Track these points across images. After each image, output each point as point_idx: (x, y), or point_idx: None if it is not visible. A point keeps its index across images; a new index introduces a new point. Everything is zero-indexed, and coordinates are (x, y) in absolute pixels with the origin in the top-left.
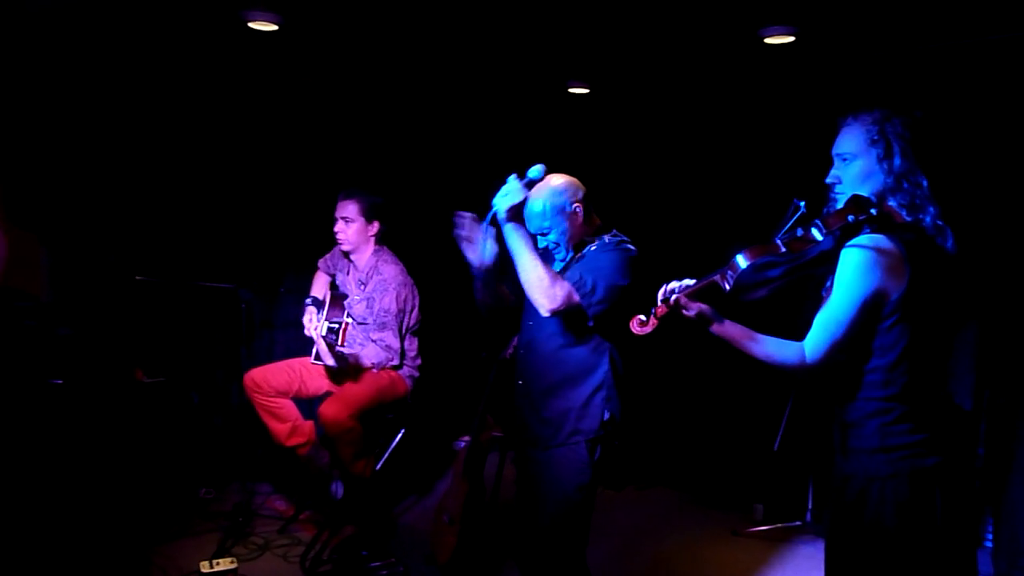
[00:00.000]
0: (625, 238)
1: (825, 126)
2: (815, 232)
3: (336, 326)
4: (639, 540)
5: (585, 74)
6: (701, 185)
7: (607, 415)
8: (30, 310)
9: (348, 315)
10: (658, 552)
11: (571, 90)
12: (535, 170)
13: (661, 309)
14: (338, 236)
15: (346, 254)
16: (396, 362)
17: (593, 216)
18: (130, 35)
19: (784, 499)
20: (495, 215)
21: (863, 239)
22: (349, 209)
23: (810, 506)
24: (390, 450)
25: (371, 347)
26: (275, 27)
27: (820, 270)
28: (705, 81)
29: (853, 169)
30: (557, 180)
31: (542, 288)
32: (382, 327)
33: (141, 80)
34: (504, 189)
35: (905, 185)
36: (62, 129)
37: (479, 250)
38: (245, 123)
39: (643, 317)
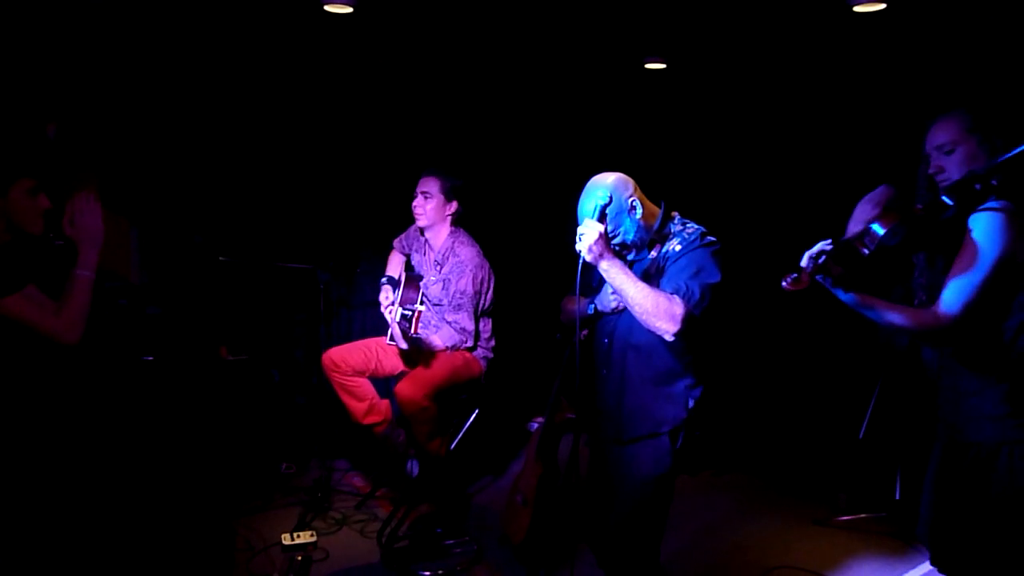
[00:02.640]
0: (696, 225)
1: (918, 100)
2: (945, 200)
3: (409, 313)
4: (715, 528)
5: (662, 47)
6: (788, 168)
7: (691, 403)
8: (122, 290)
9: (423, 299)
10: (735, 541)
11: (648, 65)
12: (601, 196)
13: (812, 267)
14: (416, 211)
15: (422, 231)
16: (470, 343)
17: (649, 204)
18: (211, 21)
19: (869, 489)
20: (585, 262)
21: (992, 204)
22: (430, 185)
23: (897, 497)
24: (464, 430)
25: (446, 329)
26: (350, 9)
27: (937, 244)
28: (790, 53)
29: (956, 158)
30: (602, 180)
31: (661, 313)
32: (458, 309)
33: (223, 64)
34: (580, 231)
35: (1008, 165)
36: (150, 115)
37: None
38: (323, 105)
39: (795, 275)
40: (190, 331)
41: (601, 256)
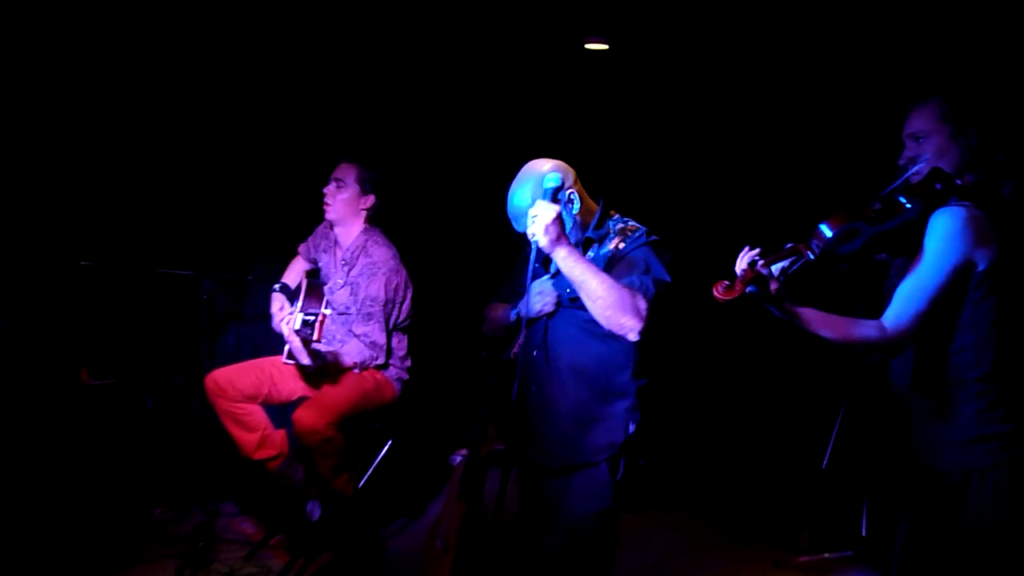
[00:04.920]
0: (638, 224)
1: (895, 84)
2: (903, 200)
3: (311, 318)
4: (665, 572)
5: (605, 24)
6: (743, 163)
7: (632, 428)
8: None
9: (328, 305)
10: None
11: (588, 46)
12: (551, 178)
13: (747, 274)
14: (326, 200)
15: (332, 226)
16: (381, 361)
17: (588, 200)
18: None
19: (834, 525)
20: (539, 248)
21: (951, 207)
22: (346, 172)
23: (864, 533)
24: (375, 464)
25: (353, 343)
26: None
27: (898, 247)
28: (747, 28)
29: (928, 147)
30: (542, 166)
31: (627, 307)
32: (367, 319)
33: (87, 38)
34: (532, 213)
35: (982, 160)
36: None
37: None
38: (214, 92)
39: (728, 282)
40: (42, 349)
41: (558, 241)
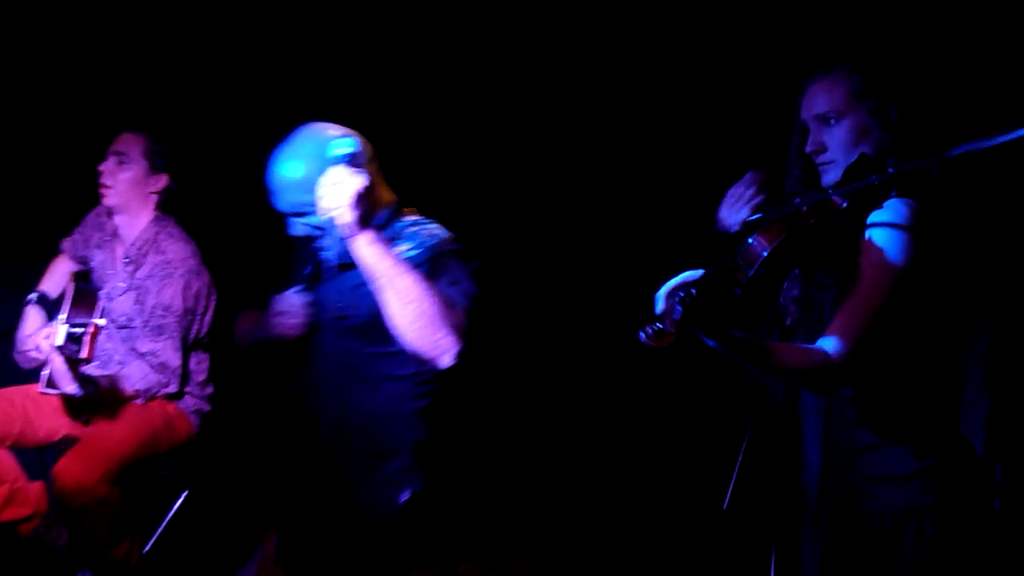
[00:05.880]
0: (438, 227)
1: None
2: (837, 200)
3: (79, 331)
4: None
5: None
6: (603, 152)
7: (406, 494)
8: None
9: (103, 315)
10: None
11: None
12: (345, 143)
13: (678, 311)
14: (103, 180)
15: (109, 215)
16: (174, 389)
17: (385, 190)
18: None
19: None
20: (338, 226)
21: (894, 206)
22: (129, 145)
23: None
24: (165, 525)
25: (136, 365)
26: None
27: (821, 256)
28: None
29: (842, 131)
30: (328, 130)
31: (444, 321)
32: (157, 333)
33: None
34: (325, 182)
35: (907, 140)
36: None
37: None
38: None
39: (659, 325)
40: None
41: (364, 222)
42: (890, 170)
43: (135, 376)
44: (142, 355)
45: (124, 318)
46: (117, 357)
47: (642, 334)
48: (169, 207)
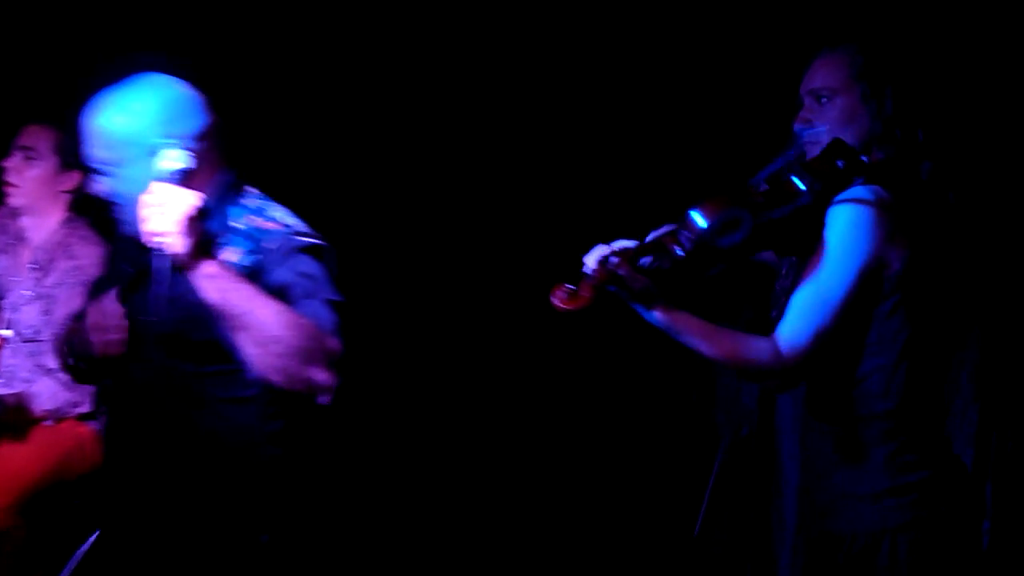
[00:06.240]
0: (286, 214)
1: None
2: (796, 181)
3: None
4: None
5: None
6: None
7: (265, 537)
8: None
9: (7, 326)
10: None
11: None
12: (179, 157)
13: (599, 275)
14: (8, 178)
15: (13, 216)
16: (87, 408)
17: (217, 161)
18: None
19: None
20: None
21: (857, 191)
22: (37, 139)
23: None
24: (77, 562)
25: (45, 383)
26: None
27: (788, 241)
28: None
29: (832, 110)
30: (159, 81)
31: (316, 349)
32: None
33: None
34: (154, 201)
35: (897, 133)
36: None
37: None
38: None
39: (571, 286)
40: None
41: (202, 254)
42: (863, 158)
43: (43, 395)
44: (51, 371)
45: (31, 330)
46: (22, 374)
47: (554, 296)
48: (82, 208)
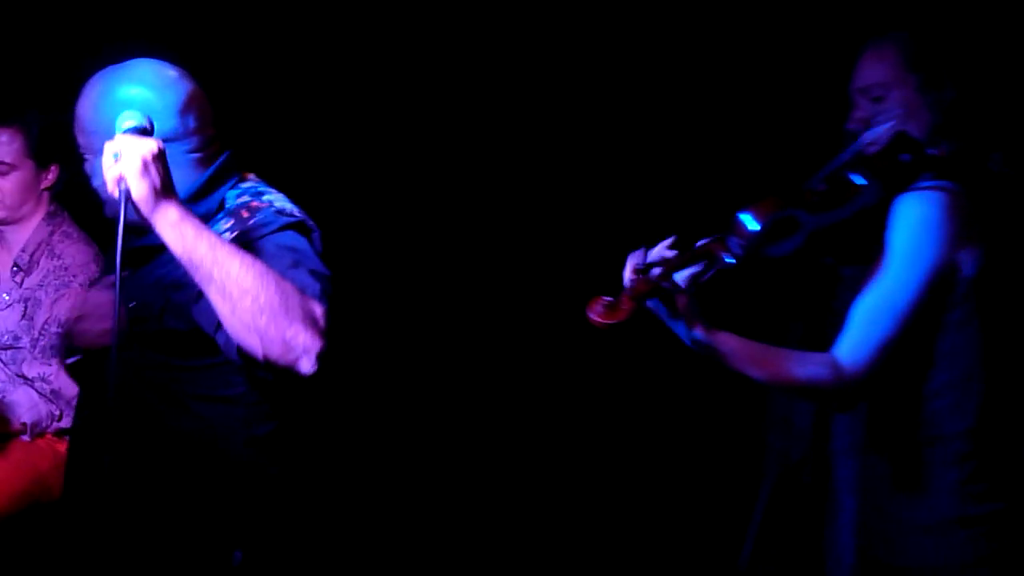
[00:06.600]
0: (284, 201)
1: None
2: (857, 179)
3: None
4: None
5: None
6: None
7: (238, 555)
8: None
9: None
10: None
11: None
12: (134, 115)
13: (640, 286)
14: None
15: None
16: (68, 423)
17: (208, 146)
18: None
19: None
20: (124, 193)
21: (924, 187)
22: (6, 147)
23: None
24: None
25: (23, 392)
26: None
27: (850, 245)
28: None
29: (888, 106)
30: (141, 66)
31: (294, 312)
32: (50, 355)
33: None
34: (112, 148)
35: (961, 122)
36: None
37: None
38: None
39: (610, 299)
40: None
41: (164, 195)
42: (930, 151)
43: (21, 406)
44: (30, 381)
45: (8, 336)
46: None
47: (592, 310)
48: (61, 198)
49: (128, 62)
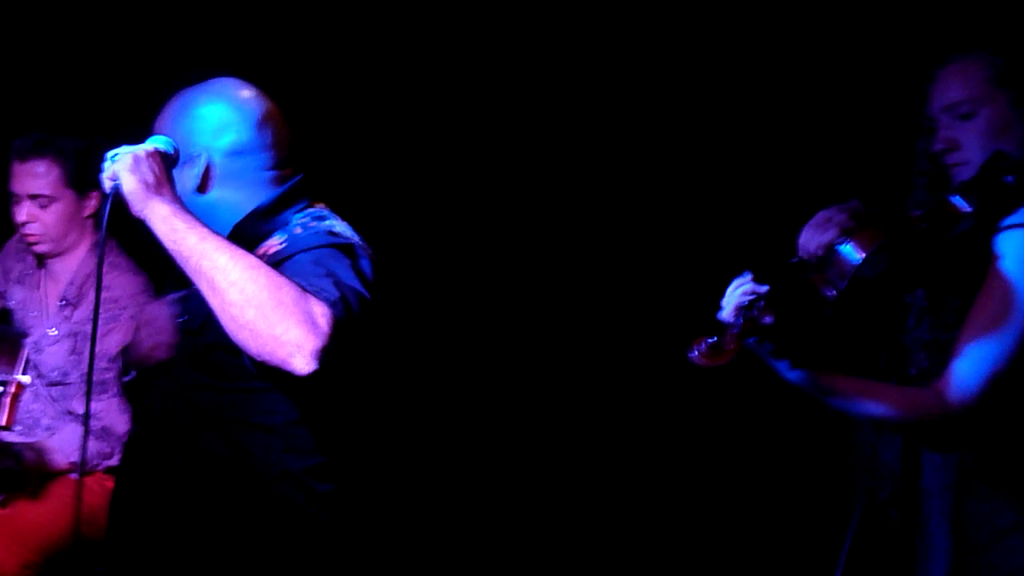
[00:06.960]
0: (334, 222)
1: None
2: (958, 202)
3: None
4: None
5: None
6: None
7: None
8: None
9: (28, 369)
10: None
11: None
12: (160, 140)
13: (745, 325)
14: (27, 233)
15: (39, 258)
16: (117, 461)
17: (280, 167)
18: None
19: None
20: (117, 190)
21: None
22: (44, 179)
23: None
24: None
25: (71, 430)
26: None
27: (944, 275)
28: None
29: (978, 125)
30: (246, 88)
31: (288, 308)
32: (99, 391)
33: None
34: (112, 152)
35: None
36: None
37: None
38: None
39: (713, 340)
40: None
41: (155, 189)
42: None
43: (69, 444)
44: (79, 418)
45: (57, 372)
46: (45, 420)
47: (694, 351)
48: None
49: (208, 80)
